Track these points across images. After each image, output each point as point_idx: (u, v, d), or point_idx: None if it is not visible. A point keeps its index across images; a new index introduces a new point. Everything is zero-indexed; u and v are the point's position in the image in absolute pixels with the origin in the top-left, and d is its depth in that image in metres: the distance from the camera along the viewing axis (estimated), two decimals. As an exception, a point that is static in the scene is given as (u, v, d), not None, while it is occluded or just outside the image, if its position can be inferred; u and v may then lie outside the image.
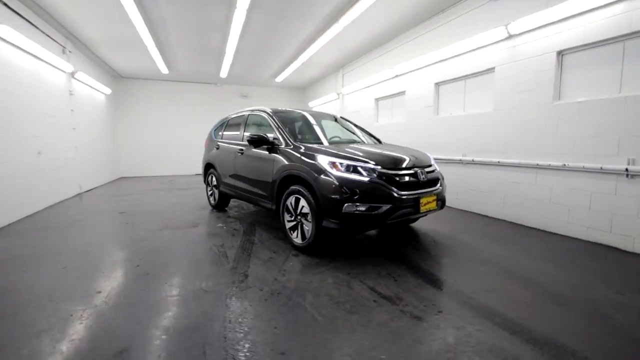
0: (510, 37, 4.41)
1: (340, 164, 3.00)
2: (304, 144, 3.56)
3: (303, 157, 3.31)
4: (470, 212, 5.25)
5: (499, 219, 4.75)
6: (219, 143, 5.32)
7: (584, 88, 3.73)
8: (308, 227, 3.17)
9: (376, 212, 2.87)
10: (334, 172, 2.96)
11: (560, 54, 3.90)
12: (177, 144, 11.40)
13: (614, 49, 3.44)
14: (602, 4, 3.40)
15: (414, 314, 2.16)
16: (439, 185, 3.43)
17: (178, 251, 3.44)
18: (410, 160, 3.29)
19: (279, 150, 3.66)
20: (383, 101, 7.74)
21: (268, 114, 4.17)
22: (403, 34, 6.55)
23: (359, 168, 2.98)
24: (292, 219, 3.40)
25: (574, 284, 2.65)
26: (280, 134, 3.77)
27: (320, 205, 2.99)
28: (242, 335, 1.90)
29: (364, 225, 2.95)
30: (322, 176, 2.99)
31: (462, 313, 2.17)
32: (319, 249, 3.26)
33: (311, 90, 12.22)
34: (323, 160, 3.07)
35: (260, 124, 4.42)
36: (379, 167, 3.01)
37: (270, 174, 3.72)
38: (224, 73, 9.80)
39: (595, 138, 3.57)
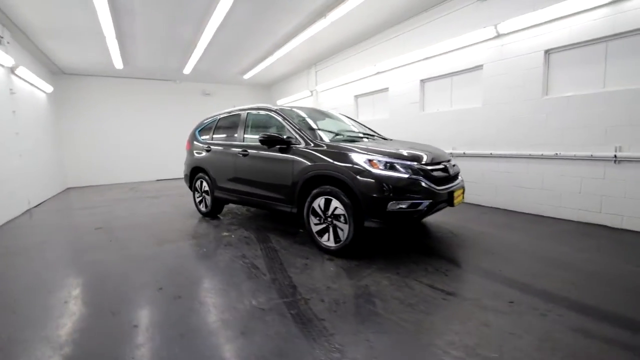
0: (498, 36, 4.70)
1: (379, 161, 2.92)
2: (324, 142, 3.40)
3: (330, 157, 3.15)
4: (464, 202, 5.51)
5: (492, 207, 5.07)
6: (209, 145, 4.89)
7: (570, 84, 4.11)
8: (344, 228, 3.04)
9: (418, 208, 2.85)
10: (374, 170, 2.87)
11: (548, 52, 4.25)
12: (132, 147, 10.31)
13: (598, 49, 3.83)
14: (588, 8, 3.77)
15: (489, 307, 2.17)
16: (460, 178, 3.53)
17: (197, 267, 3.08)
18: (436, 155, 3.33)
19: (297, 151, 3.45)
20: (363, 98, 7.80)
21: (276, 112, 3.92)
22: (386, 30, 6.64)
23: (396, 165, 2.92)
24: (321, 221, 3.24)
25: (595, 261, 2.91)
26: (297, 133, 3.56)
27: (361, 205, 2.88)
28: (339, 354, 1.73)
29: (406, 222, 2.91)
30: (362, 175, 2.88)
31: (531, 300, 2.24)
32: (354, 251, 3.14)
33: (278, 88, 11.90)
34: (359, 159, 2.96)
35: (265, 123, 4.14)
36: (415, 163, 2.99)
37: (289, 175, 3.50)
38: (188, 69, 9.07)
39: (584, 129, 3.97)
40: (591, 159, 3.91)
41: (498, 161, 4.93)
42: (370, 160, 2.93)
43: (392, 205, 2.78)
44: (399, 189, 2.81)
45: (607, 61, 3.78)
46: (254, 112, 4.34)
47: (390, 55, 6.57)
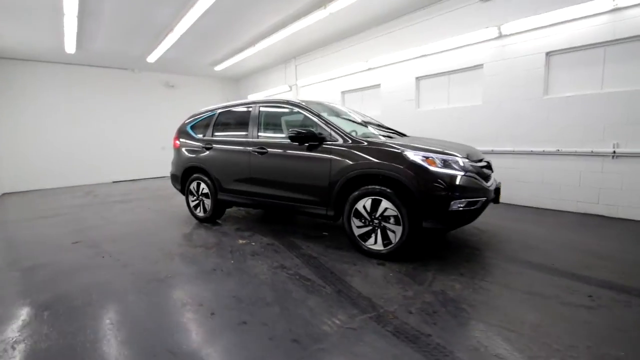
0: (500, 37, 4.88)
1: (435, 159, 2.79)
2: (363, 139, 3.19)
3: (376, 155, 2.95)
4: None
5: (492, 202, 5.28)
6: (209, 143, 4.36)
7: (570, 84, 4.41)
8: (396, 230, 2.87)
9: (475, 207, 2.80)
10: (432, 168, 2.74)
11: (549, 54, 4.51)
12: (82, 145, 8.99)
13: (597, 53, 4.15)
14: (589, 14, 4.05)
15: (574, 304, 2.17)
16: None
17: (237, 282, 2.66)
18: (472, 152, 3.31)
19: (335, 149, 3.19)
20: (351, 94, 7.68)
21: (301, 106, 3.60)
22: (379, 26, 6.56)
23: (451, 162, 2.83)
24: (366, 224, 3.03)
25: (623, 250, 3.11)
26: (332, 129, 3.30)
27: (420, 206, 2.73)
28: (479, 373, 1.57)
29: (463, 222, 2.84)
30: (421, 174, 2.73)
31: (605, 293, 2.29)
32: (404, 254, 2.98)
33: (250, 82, 11.26)
34: (416, 157, 2.80)
35: (286, 119, 3.79)
36: (467, 160, 2.93)
37: (325, 175, 3.22)
38: (153, 57, 8.11)
39: (584, 127, 4.28)
40: (591, 154, 4.24)
41: (499, 157, 5.13)
42: (426, 158, 2.79)
43: (454, 205, 2.68)
44: (459, 187, 2.72)
45: (605, 64, 4.11)
46: (269, 106, 3.95)
47: (383, 51, 6.52)
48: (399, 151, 2.88)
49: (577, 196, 4.42)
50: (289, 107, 3.73)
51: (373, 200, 2.95)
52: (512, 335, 1.85)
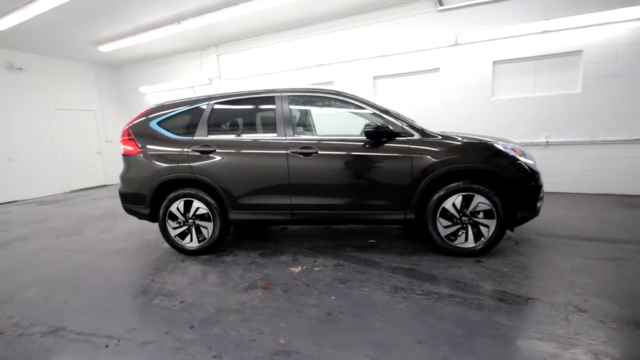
0: (456, 44, 5.56)
1: (518, 149, 2.93)
2: (435, 132, 3.02)
3: (460, 150, 2.86)
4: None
5: (452, 189, 6.01)
6: (210, 145, 3.18)
7: (510, 88, 5.46)
8: (490, 225, 2.84)
9: (542, 191, 3.08)
10: (522, 159, 2.85)
11: (495, 63, 5.45)
12: None
13: (530, 64, 5.28)
14: (526, 33, 5.11)
15: (651, 261, 2.70)
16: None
17: (389, 324, 2.03)
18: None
19: (412, 146, 2.89)
20: (297, 91, 7.18)
21: (360, 99, 3.14)
22: (333, 21, 6.35)
23: (524, 152, 3.03)
24: (454, 222, 2.89)
25: (599, 214, 4.08)
26: (405, 123, 2.98)
27: (517, 196, 2.80)
28: None
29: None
30: (516, 165, 2.80)
31: (649, 249, 2.95)
32: (491, 248, 2.98)
33: (142, 70, 8.99)
34: (505, 148, 2.86)
35: (331, 113, 3.17)
36: (524, 149, 3.20)
37: (406, 176, 2.87)
38: (4, 24, 5.33)
39: (523, 123, 5.39)
40: (530, 144, 5.38)
41: (458, 150, 5.87)
42: (513, 149, 2.89)
43: (541, 192, 2.88)
44: (539, 174, 2.94)
45: (536, 74, 5.29)
46: (306, 97, 3.27)
47: (338, 48, 6.39)
48: (490, 143, 2.87)
49: (520, 178, 5.53)
50: (335, 97, 3.15)
51: (464, 196, 2.84)
52: (672, 298, 2.13)
